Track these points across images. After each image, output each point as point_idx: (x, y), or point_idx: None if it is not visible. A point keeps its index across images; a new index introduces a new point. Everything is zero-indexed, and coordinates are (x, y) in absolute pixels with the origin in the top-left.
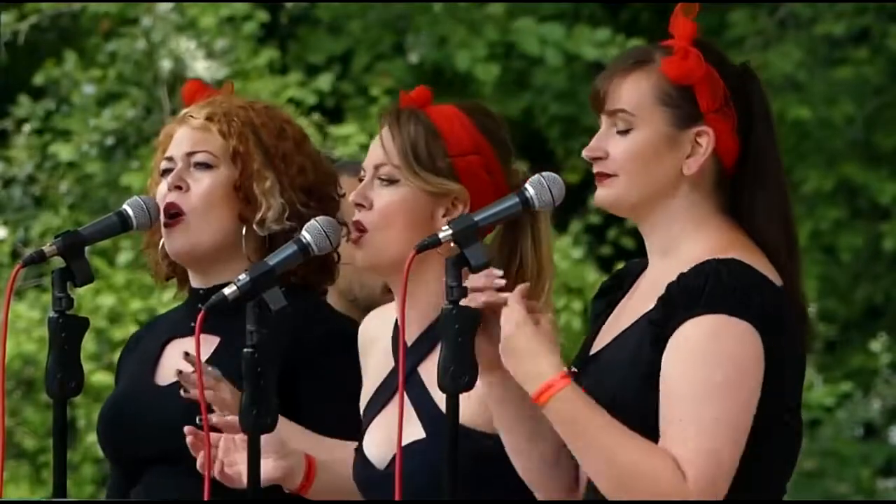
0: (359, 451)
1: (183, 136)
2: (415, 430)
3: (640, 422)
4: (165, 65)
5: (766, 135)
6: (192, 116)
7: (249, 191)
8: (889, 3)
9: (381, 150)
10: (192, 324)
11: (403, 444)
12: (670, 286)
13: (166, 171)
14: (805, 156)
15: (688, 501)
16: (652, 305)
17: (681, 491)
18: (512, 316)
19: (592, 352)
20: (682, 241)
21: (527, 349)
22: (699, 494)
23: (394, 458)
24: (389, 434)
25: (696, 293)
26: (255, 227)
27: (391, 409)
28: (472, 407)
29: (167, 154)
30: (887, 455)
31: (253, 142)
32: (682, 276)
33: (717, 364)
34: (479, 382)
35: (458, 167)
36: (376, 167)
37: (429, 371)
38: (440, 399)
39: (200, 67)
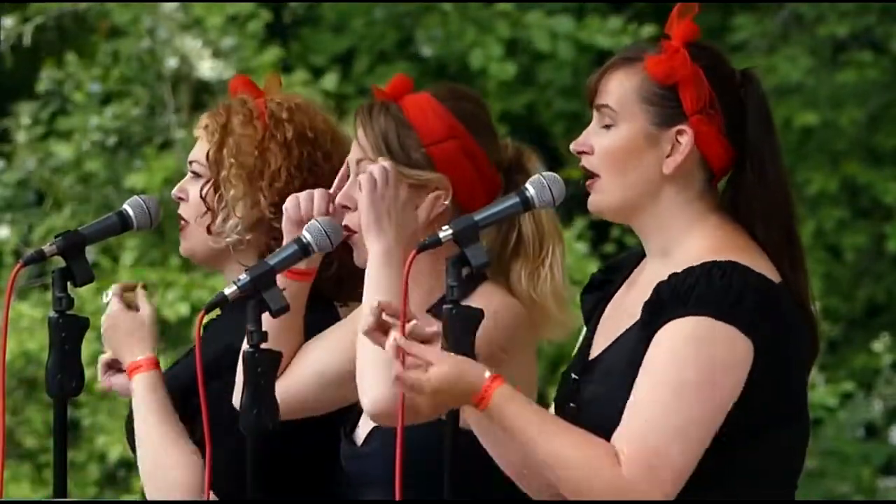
0: (347, 428)
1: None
2: None
3: None
4: (171, 63)
5: (762, 136)
6: (199, 124)
7: (210, 199)
8: (892, 2)
9: (358, 147)
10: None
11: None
12: (660, 286)
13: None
14: (808, 157)
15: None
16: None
17: (615, 486)
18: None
19: (592, 356)
20: (682, 241)
21: (448, 386)
22: (632, 492)
23: (369, 436)
24: None
25: (684, 295)
26: (211, 238)
27: None
28: None
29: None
30: (888, 454)
31: (229, 149)
32: (673, 276)
33: (691, 364)
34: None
35: (435, 156)
36: (357, 164)
37: None
38: None
39: (206, 67)
